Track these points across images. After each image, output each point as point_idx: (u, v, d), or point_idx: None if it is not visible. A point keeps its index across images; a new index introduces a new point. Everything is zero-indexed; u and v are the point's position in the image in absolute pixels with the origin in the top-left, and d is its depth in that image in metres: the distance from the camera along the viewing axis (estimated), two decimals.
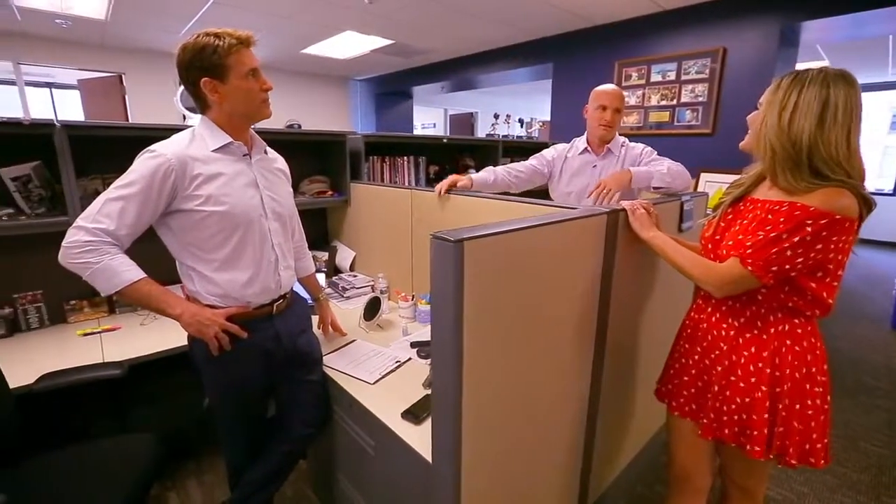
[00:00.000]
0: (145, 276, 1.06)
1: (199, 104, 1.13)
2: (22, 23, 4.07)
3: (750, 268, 0.93)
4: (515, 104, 9.47)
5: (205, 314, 1.10)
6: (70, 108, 6.42)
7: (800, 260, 0.90)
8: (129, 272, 1.03)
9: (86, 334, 1.69)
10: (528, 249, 0.96)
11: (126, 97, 5.16)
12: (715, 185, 3.15)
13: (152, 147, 1.05)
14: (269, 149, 1.31)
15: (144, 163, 1.02)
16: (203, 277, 1.13)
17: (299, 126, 7.12)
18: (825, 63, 5.43)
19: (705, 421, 1.08)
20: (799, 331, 0.99)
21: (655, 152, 1.83)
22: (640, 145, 1.87)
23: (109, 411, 1.76)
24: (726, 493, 1.23)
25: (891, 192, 6.70)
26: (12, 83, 4.98)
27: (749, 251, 0.93)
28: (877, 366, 2.90)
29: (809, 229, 0.88)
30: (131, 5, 3.59)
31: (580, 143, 1.93)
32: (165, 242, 1.14)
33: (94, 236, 0.99)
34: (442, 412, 0.89)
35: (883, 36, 4.16)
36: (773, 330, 1.00)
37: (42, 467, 1.20)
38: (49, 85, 6.89)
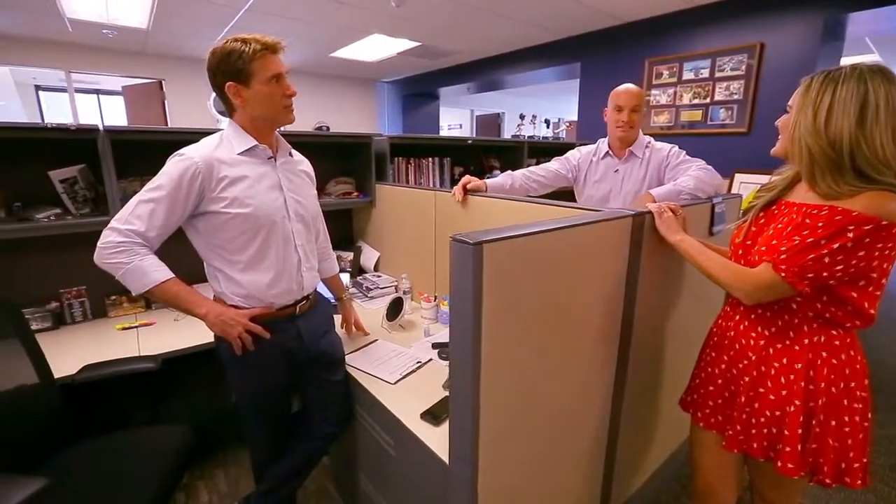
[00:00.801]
0: (174, 276, 1.11)
1: (227, 108, 1.17)
2: (73, 34, 4.32)
3: (783, 274, 0.88)
4: (542, 104, 9.37)
5: (229, 314, 1.14)
6: (115, 113, 6.79)
7: (839, 268, 0.85)
8: (157, 272, 1.07)
9: (124, 328, 1.78)
10: (550, 252, 0.95)
11: (165, 102, 5.39)
12: (750, 186, 3.03)
13: (181, 151, 1.10)
14: (294, 151, 1.34)
15: (173, 166, 1.07)
16: (228, 278, 1.17)
17: (328, 128, 7.26)
18: (875, 57, 5.12)
19: (731, 432, 1.04)
20: (836, 342, 0.94)
21: (684, 153, 1.75)
22: (667, 146, 1.79)
23: (145, 402, 1.85)
24: None
25: None
26: (64, 90, 5.31)
27: (783, 256, 0.88)
28: None
29: (851, 235, 0.82)
30: (170, 14, 3.75)
31: (603, 145, 1.88)
32: (194, 244, 1.19)
33: (126, 237, 1.04)
34: (459, 414, 0.89)
35: None
36: (806, 341, 0.95)
37: (84, 453, 1.27)
38: (97, 91, 7.31)
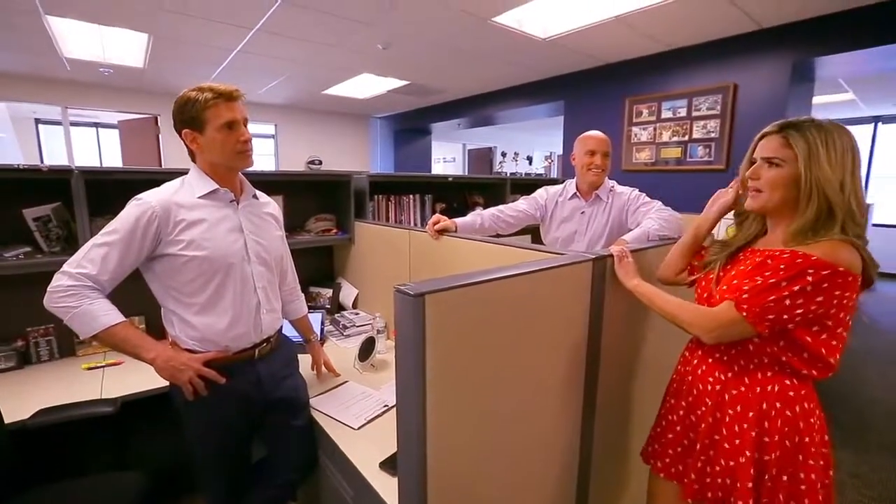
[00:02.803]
0: (123, 320, 1.10)
1: (189, 153, 1.19)
2: (70, 72, 4.44)
3: (745, 313, 0.88)
4: (537, 139, 9.60)
5: (180, 359, 1.12)
6: (112, 146, 6.89)
7: (799, 311, 0.85)
8: (106, 316, 1.06)
9: (90, 368, 1.74)
10: (505, 299, 0.94)
11: (160, 136, 5.49)
12: (728, 221, 3.06)
13: (140, 195, 1.11)
14: (260, 193, 1.35)
15: (130, 210, 1.08)
16: (182, 321, 1.16)
17: (320, 162, 7.33)
18: (850, 96, 5.32)
19: (686, 481, 1.01)
20: (791, 393, 0.92)
21: (643, 195, 1.80)
22: (628, 190, 1.84)
23: (109, 446, 1.79)
24: None
25: None
26: (61, 123, 5.41)
27: (745, 296, 0.89)
28: None
29: (810, 279, 0.83)
30: (165, 54, 3.88)
31: (570, 187, 1.92)
32: (150, 286, 1.18)
33: (77, 281, 1.03)
34: (406, 466, 0.86)
35: None
36: (758, 389, 0.94)
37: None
38: (95, 125, 7.46)
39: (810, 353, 0.90)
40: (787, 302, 0.85)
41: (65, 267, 1.06)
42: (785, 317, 0.86)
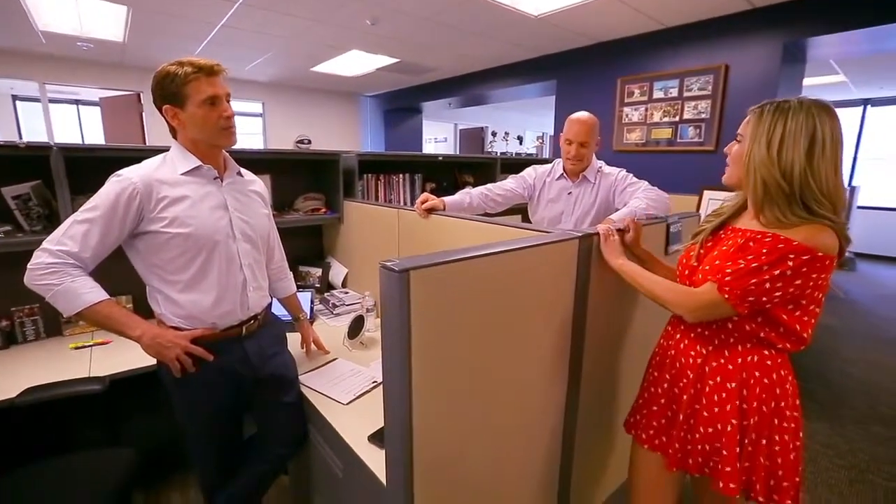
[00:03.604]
0: (107, 297, 1.09)
1: (169, 129, 1.17)
2: (47, 45, 4.28)
3: (727, 295, 0.91)
4: (530, 119, 9.52)
5: (166, 336, 1.12)
6: (95, 123, 6.70)
7: (777, 294, 0.88)
8: (89, 294, 1.05)
9: (77, 347, 1.74)
10: (491, 276, 0.95)
11: (143, 114, 5.35)
12: (717, 202, 3.08)
13: (120, 171, 1.09)
14: (244, 171, 1.33)
15: (111, 186, 1.06)
16: (168, 299, 1.16)
17: (309, 141, 7.23)
18: (841, 78, 5.33)
19: (671, 451, 1.05)
20: (768, 363, 0.96)
21: (631, 176, 1.80)
22: (616, 171, 1.84)
23: (100, 423, 1.80)
24: None
25: None
26: (39, 100, 5.24)
27: (728, 278, 0.91)
28: (894, 393, 2.77)
29: (791, 264, 0.86)
30: (146, 28, 3.75)
31: (558, 167, 1.92)
32: (133, 264, 1.17)
33: (58, 258, 1.02)
34: (393, 439, 0.88)
35: None
36: (740, 360, 0.98)
37: (18, 481, 1.22)
38: (76, 102, 7.23)
39: (786, 328, 0.93)
40: (768, 285, 0.88)
41: (45, 244, 1.04)
42: (764, 298, 0.89)
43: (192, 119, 1.11)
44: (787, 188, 0.89)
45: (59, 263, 1.02)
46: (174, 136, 1.18)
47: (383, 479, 1.02)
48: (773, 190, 0.90)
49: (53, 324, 1.84)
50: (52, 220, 1.71)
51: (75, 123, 7.37)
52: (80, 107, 7.35)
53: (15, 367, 1.57)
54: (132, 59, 4.83)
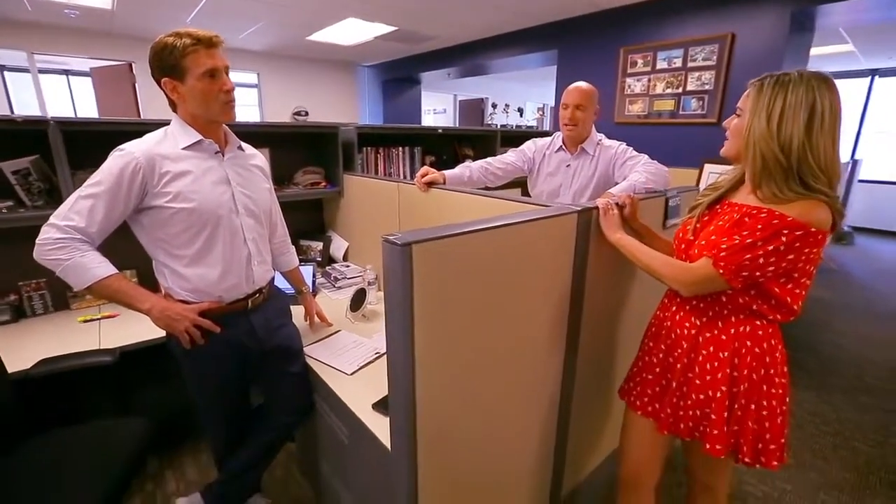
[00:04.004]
0: (116, 272, 1.11)
1: (169, 102, 1.16)
2: (33, 13, 4.15)
3: (721, 270, 0.93)
4: (530, 90, 9.32)
5: (175, 309, 1.14)
6: (86, 95, 6.56)
7: (771, 268, 0.90)
8: (98, 268, 1.07)
9: (86, 321, 1.77)
10: (490, 249, 0.97)
11: (136, 85, 5.24)
12: (717, 175, 3.08)
13: (122, 146, 1.09)
14: (245, 145, 1.33)
15: (113, 161, 1.06)
16: (174, 273, 1.18)
17: (306, 113, 7.10)
18: (849, 47, 5.20)
19: (663, 416, 1.10)
20: (760, 332, 1.00)
21: (631, 149, 1.79)
22: (616, 143, 1.83)
23: (112, 394, 1.86)
24: (690, 490, 1.25)
25: None
26: (28, 70, 5.11)
27: (723, 254, 0.93)
28: (881, 365, 2.84)
29: (784, 239, 0.88)
30: None
31: (558, 139, 1.91)
32: (139, 238, 1.19)
33: (66, 233, 1.03)
34: (397, 406, 0.92)
35: None
36: (733, 330, 1.01)
37: (33, 451, 1.27)
38: (66, 72, 7.04)
39: (777, 300, 0.96)
40: (762, 260, 0.90)
41: (52, 219, 1.05)
42: (758, 273, 0.91)
43: (191, 92, 1.11)
44: (785, 162, 0.89)
45: (67, 238, 1.04)
46: (174, 110, 1.17)
47: (388, 445, 1.07)
48: (772, 164, 0.90)
49: (61, 297, 1.87)
50: (52, 195, 1.71)
51: (66, 94, 7.21)
52: (71, 77, 7.17)
53: (26, 340, 1.62)
54: (122, 27, 4.69)
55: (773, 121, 0.89)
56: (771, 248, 0.88)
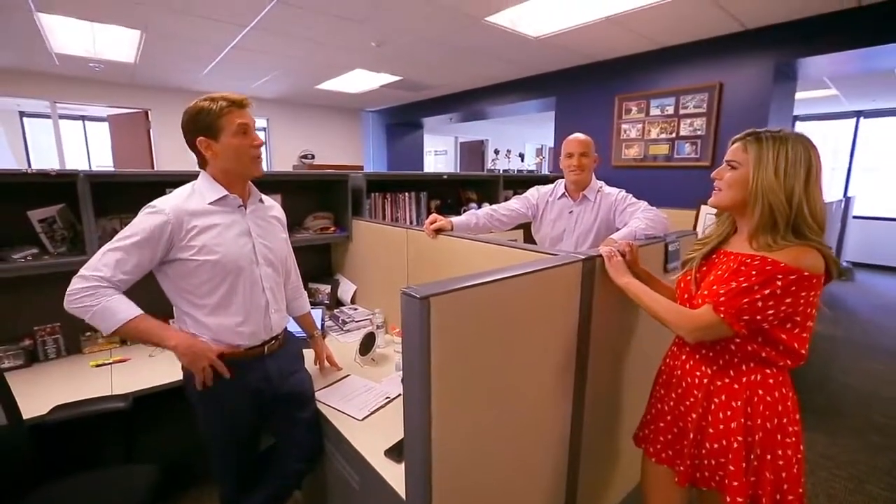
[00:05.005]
0: (142, 312, 1.16)
1: (199, 160, 1.25)
2: (59, 66, 4.40)
3: (722, 315, 0.97)
4: (529, 132, 9.65)
5: (199, 346, 1.19)
6: (100, 139, 6.81)
7: (770, 312, 0.95)
8: (125, 311, 1.13)
9: (98, 365, 1.79)
10: (502, 299, 1.02)
11: (151, 131, 5.45)
12: (713, 216, 3.17)
13: (153, 203, 1.17)
14: (265, 197, 1.41)
15: (145, 219, 1.14)
16: (196, 321, 1.23)
17: (313, 156, 7.31)
18: (833, 92, 5.45)
19: (681, 468, 1.11)
20: (771, 381, 1.02)
21: (630, 196, 1.88)
22: (616, 191, 1.92)
23: (119, 440, 1.85)
24: None
25: None
26: (49, 116, 5.34)
27: (722, 299, 0.98)
28: (890, 403, 2.82)
29: (780, 283, 0.93)
30: (158, 50, 3.86)
31: (560, 187, 2.02)
32: (163, 287, 1.24)
33: (93, 282, 1.10)
34: (413, 454, 0.94)
35: (889, 70, 4.18)
36: (745, 379, 1.04)
37: (45, 500, 1.27)
38: (82, 118, 7.34)
39: (785, 346, 0.99)
40: (760, 304, 0.94)
41: (81, 271, 1.12)
42: (758, 317, 0.95)
43: (225, 149, 1.20)
44: (788, 212, 0.96)
45: (95, 286, 1.10)
46: (203, 167, 1.26)
47: (401, 492, 1.08)
48: (777, 214, 0.97)
49: (74, 342, 1.90)
50: (75, 243, 1.78)
51: (81, 139, 7.48)
52: (87, 122, 7.47)
53: (39, 385, 1.63)
54: (141, 78, 4.94)
55: (780, 173, 0.97)
56: (767, 292, 0.93)
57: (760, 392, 1.02)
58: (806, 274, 0.92)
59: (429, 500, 0.95)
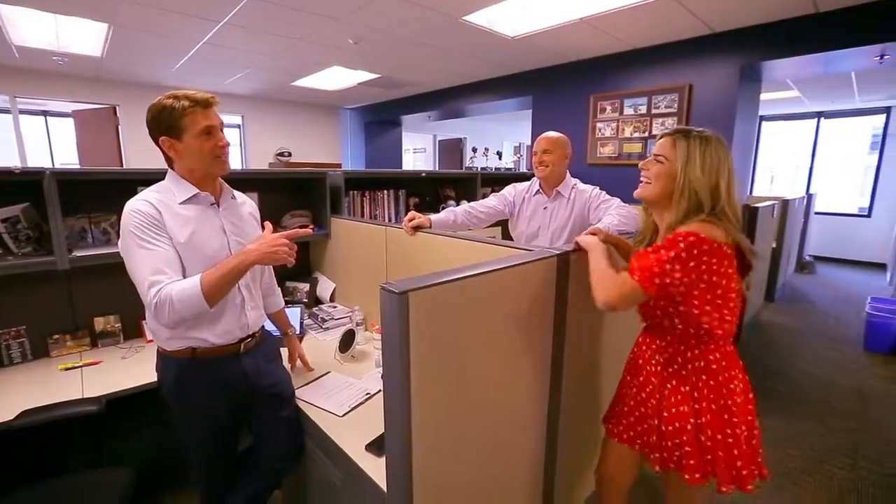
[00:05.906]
0: (201, 273, 1.15)
1: (166, 159, 1.23)
2: (19, 59, 4.21)
3: (637, 277, 1.03)
4: (507, 130, 9.74)
5: (267, 242, 1.19)
6: (64, 136, 6.54)
7: (678, 275, 1.00)
8: (193, 280, 1.13)
9: (67, 368, 1.74)
10: (480, 293, 1.05)
11: (119, 127, 5.27)
12: None
13: (130, 201, 1.17)
14: (237, 193, 1.40)
15: (132, 214, 1.14)
16: None
17: (289, 154, 7.21)
18: (795, 93, 5.70)
19: (651, 453, 1.18)
20: (714, 366, 1.10)
21: (604, 193, 1.95)
22: (590, 188, 1.99)
23: (90, 444, 1.80)
24: None
25: (865, 213, 6.92)
26: (8, 111, 5.10)
27: (636, 265, 1.05)
28: (847, 389, 2.98)
29: (682, 246, 0.99)
30: (126, 44, 3.74)
31: (535, 184, 2.07)
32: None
33: (157, 287, 1.11)
34: (393, 447, 0.96)
35: (846, 73, 4.41)
36: (690, 366, 1.12)
37: None
38: (44, 113, 7.02)
39: (709, 320, 1.06)
40: (668, 266, 1.00)
41: (145, 289, 1.11)
42: (668, 280, 1.00)
43: (188, 149, 1.18)
44: (709, 203, 1.05)
45: (159, 289, 1.10)
46: (170, 166, 1.24)
47: (383, 485, 1.09)
48: (704, 202, 1.06)
49: (40, 345, 1.83)
50: (41, 243, 1.72)
51: (43, 135, 7.16)
52: (49, 118, 7.16)
53: (4, 390, 1.57)
54: (107, 72, 4.77)
55: (706, 170, 1.06)
56: (672, 254, 0.99)
57: (704, 377, 1.10)
58: (704, 237, 0.98)
59: (409, 491, 0.97)
